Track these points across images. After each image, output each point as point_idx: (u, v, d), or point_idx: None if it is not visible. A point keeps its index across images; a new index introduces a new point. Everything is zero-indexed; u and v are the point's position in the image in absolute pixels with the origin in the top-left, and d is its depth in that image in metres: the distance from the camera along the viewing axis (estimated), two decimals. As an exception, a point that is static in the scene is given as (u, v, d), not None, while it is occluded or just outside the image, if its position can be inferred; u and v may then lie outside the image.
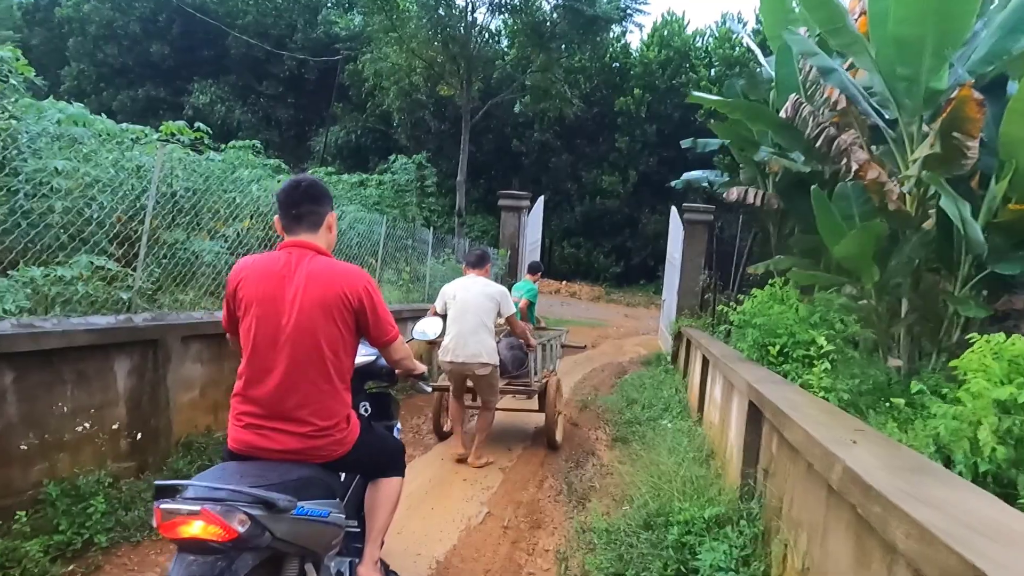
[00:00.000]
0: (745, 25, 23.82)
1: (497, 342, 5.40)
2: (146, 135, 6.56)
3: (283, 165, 11.38)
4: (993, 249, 4.97)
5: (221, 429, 4.96)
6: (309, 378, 2.20)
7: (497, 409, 5.66)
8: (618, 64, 26.35)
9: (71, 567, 3.20)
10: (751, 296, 5.70)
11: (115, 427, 3.95)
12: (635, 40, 28.23)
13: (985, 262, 5.11)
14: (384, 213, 11.32)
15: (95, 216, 4.55)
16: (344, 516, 2.31)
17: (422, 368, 2.72)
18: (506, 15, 16.71)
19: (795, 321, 5.01)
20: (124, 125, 6.55)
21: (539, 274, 8.30)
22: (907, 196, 5.88)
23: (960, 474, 2.45)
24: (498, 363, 5.27)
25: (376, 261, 8.31)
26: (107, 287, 4.23)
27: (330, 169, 11.46)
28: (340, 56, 22.84)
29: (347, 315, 2.25)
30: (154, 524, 1.80)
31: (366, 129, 26.90)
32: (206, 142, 6.99)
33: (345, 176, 11.75)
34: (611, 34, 21.16)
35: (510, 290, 6.28)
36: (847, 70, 6.79)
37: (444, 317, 5.14)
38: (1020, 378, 2.71)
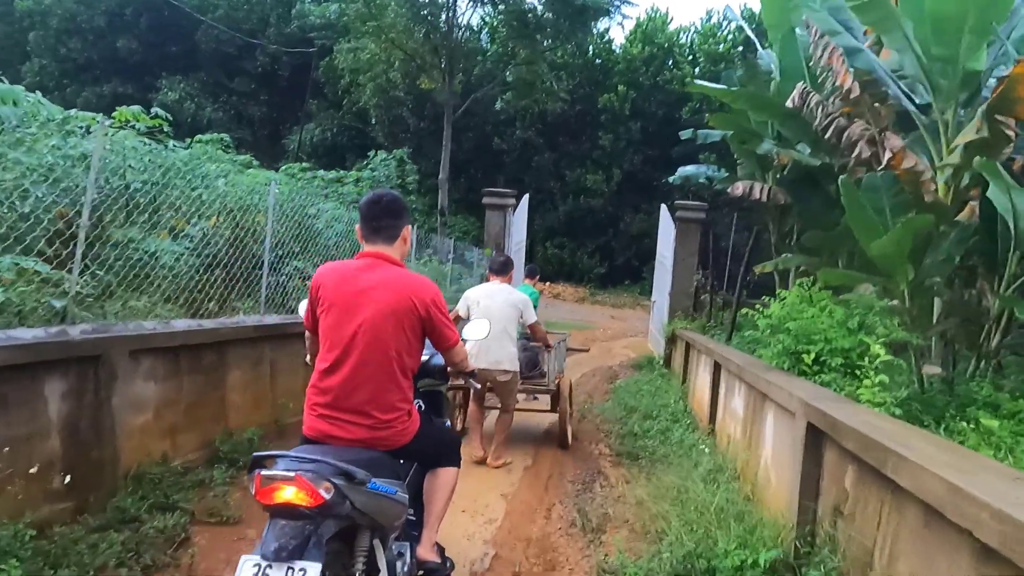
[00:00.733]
0: (743, 19, 23.49)
1: None
2: (97, 122, 5.86)
3: (254, 161, 10.66)
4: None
5: (181, 456, 4.30)
6: (375, 376, 2.40)
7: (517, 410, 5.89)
8: (601, 61, 25.88)
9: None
10: (776, 298, 5.15)
11: (45, 463, 3.28)
12: (619, 37, 27.83)
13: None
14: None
15: (29, 210, 3.88)
16: (408, 497, 2.51)
17: (473, 366, 3.06)
18: (488, 6, 16.09)
19: (832, 326, 4.47)
20: (73, 111, 5.83)
21: (536, 277, 7.78)
22: (943, 187, 5.39)
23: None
24: (519, 369, 5.47)
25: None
26: (36, 293, 3.55)
27: (304, 165, 10.76)
28: (315, 48, 22.04)
29: (414, 322, 2.46)
30: (252, 491, 2.02)
31: (342, 127, 26.12)
32: (166, 130, 6.29)
33: (321, 172, 11.05)
34: (595, 30, 20.71)
35: None
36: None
37: (464, 321, 5.11)
38: None
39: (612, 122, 24.66)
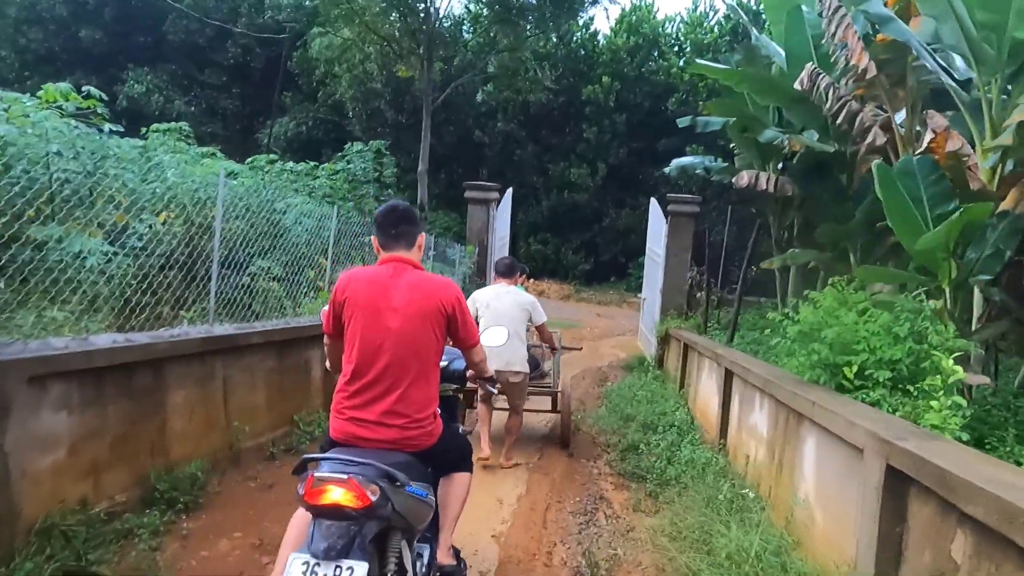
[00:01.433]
0: (735, 3, 22.84)
1: None
2: (21, 103, 5.08)
3: (219, 153, 9.84)
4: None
5: (105, 499, 3.56)
6: (407, 376, 2.45)
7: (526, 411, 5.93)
8: (585, 52, 25.20)
9: None
10: (806, 301, 4.50)
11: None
12: (604, 27, 27.08)
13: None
14: (337, 206, 9.91)
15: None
16: (435, 500, 2.61)
17: (492, 371, 3.13)
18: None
19: (876, 332, 3.83)
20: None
21: (524, 275, 7.22)
22: (986, 172, 4.79)
23: None
24: (529, 371, 5.47)
25: (326, 260, 6.92)
26: None
27: (272, 156, 9.98)
28: (286, 34, 21.09)
29: (442, 321, 2.54)
30: (300, 492, 2.08)
31: (318, 120, 25.20)
32: (100, 112, 5.52)
33: (290, 164, 10.25)
34: (580, 17, 20.00)
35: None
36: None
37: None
38: None
39: (597, 114, 24.00)
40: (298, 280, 7.17)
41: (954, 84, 5.09)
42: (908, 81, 6.80)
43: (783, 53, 8.19)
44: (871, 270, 5.05)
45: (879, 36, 6.41)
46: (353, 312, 2.50)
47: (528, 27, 15.59)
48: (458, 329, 2.64)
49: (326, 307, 2.67)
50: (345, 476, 2.06)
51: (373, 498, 2.06)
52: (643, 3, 25.10)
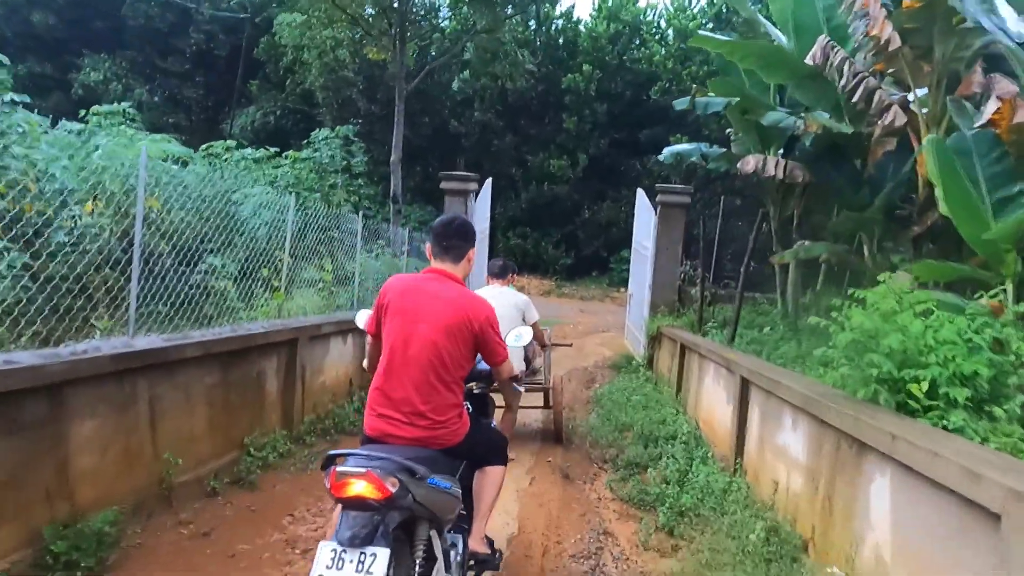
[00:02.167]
0: None
1: None
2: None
3: (171, 139, 8.92)
4: None
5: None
6: (431, 381, 2.58)
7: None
8: (564, 40, 24.42)
9: None
10: (851, 304, 3.79)
11: None
12: (583, 14, 26.24)
13: None
14: (302, 197, 9.04)
15: None
16: (461, 492, 2.75)
17: (518, 372, 3.44)
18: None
19: (947, 341, 3.13)
20: None
21: (513, 274, 6.66)
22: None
23: None
24: (524, 369, 5.44)
25: (284, 254, 6.10)
26: None
27: (229, 143, 9.08)
28: (248, 14, 19.97)
29: (468, 336, 2.66)
30: (327, 485, 2.22)
31: (286, 110, 24.11)
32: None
33: (249, 151, 9.35)
34: (558, 3, 19.23)
35: None
36: None
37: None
38: None
39: (577, 104, 23.23)
40: (256, 279, 6.34)
41: (1014, 45, 4.40)
42: (935, 53, 6.14)
43: (782, 36, 7.51)
44: (930, 266, 4.35)
45: (906, 2, 5.74)
46: (391, 315, 2.66)
47: (507, 7, 14.73)
48: (486, 347, 2.74)
49: (368, 312, 2.90)
50: (364, 470, 2.19)
51: (392, 489, 2.20)
52: (624, -11, 24.36)
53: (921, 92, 6.57)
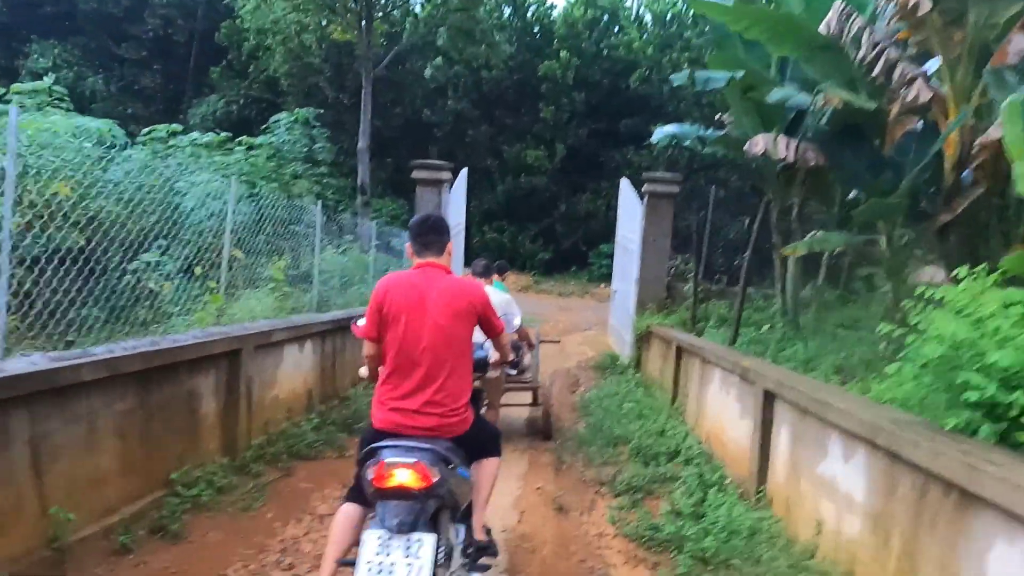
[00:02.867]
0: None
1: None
2: None
3: (112, 124, 7.92)
4: None
5: None
6: (445, 369, 2.68)
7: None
8: (540, 27, 23.59)
9: None
10: (926, 302, 3.05)
11: None
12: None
13: None
14: (259, 186, 8.14)
15: None
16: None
17: (513, 356, 3.69)
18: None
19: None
20: None
21: (496, 274, 6.57)
22: None
23: None
24: (513, 356, 5.28)
25: (224, 249, 5.23)
26: None
27: (176, 127, 8.12)
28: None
29: (473, 319, 2.83)
30: (370, 476, 2.38)
31: (250, 99, 22.97)
32: None
33: (195, 135, 8.40)
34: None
35: None
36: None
37: None
38: None
39: (554, 92, 22.43)
40: (203, 278, 5.48)
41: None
42: (969, 17, 5.45)
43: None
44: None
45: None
46: (395, 314, 2.70)
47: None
48: (487, 322, 2.91)
49: (361, 321, 2.86)
50: (413, 460, 2.35)
51: (435, 479, 2.37)
52: (602, -27, 23.57)
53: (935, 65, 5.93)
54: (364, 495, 2.55)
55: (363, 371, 3.02)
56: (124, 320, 5.36)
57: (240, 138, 9.13)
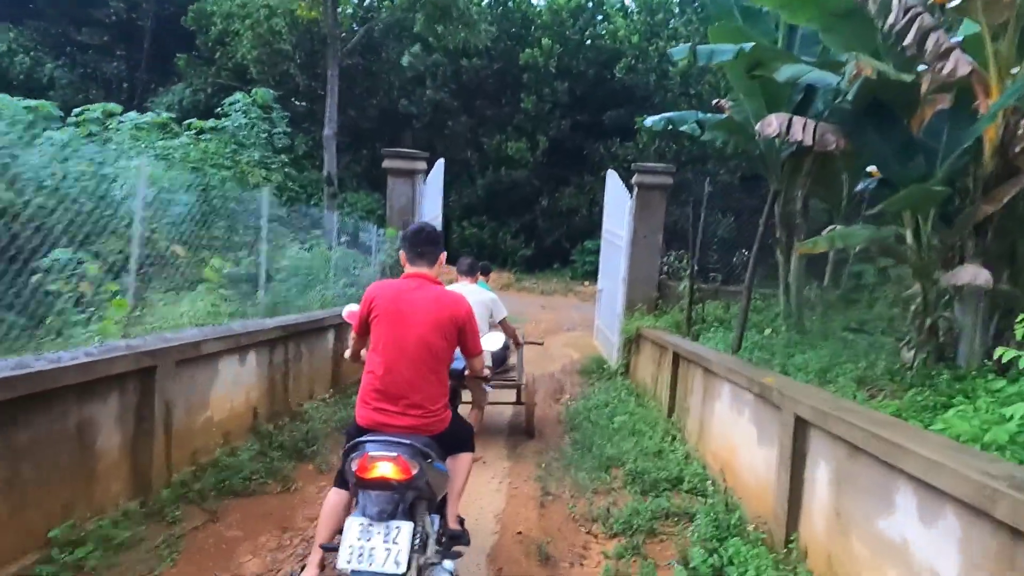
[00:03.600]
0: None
1: None
2: None
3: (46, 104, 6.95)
4: None
5: None
6: (422, 375, 2.85)
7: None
8: (522, 14, 22.70)
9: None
10: None
11: None
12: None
13: None
14: (208, 175, 7.22)
15: None
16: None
17: (487, 373, 3.61)
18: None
19: None
20: None
21: (481, 273, 6.68)
22: None
23: None
24: (492, 366, 5.25)
25: (134, 245, 4.36)
26: None
27: (113, 107, 7.17)
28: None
29: (453, 331, 2.96)
30: (354, 468, 2.55)
31: (218, 87, 21.83)
32: None
33: (133, 115, 7.45)
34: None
35: None
36: None
37: None
38: None
39: (536, 82, 21.55)
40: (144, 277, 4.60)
41: None
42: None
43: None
44: None
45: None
46: (379, 319, 2.90)
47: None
48: (466, 340, 3.06)
49: (354, 307, 3.13)
50: (395, 454, 2.53)
51: (414, 472, 2.54)
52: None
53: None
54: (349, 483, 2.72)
55: (347, 353, 3.28)
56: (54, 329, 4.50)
57: (189, 120, 8.18)
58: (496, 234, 22.42)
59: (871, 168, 7.50)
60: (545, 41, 20.79)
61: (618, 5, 22.36)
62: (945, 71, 5.07)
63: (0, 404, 2.80)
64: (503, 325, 5.78)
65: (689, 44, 6.52)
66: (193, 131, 8.16)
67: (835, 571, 3.08)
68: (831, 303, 8.72)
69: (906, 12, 5.11)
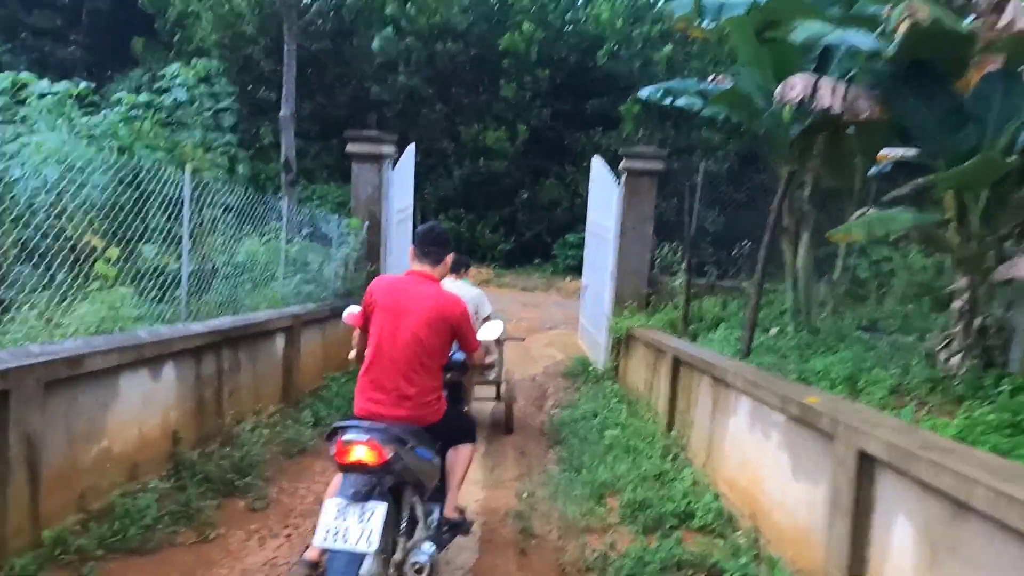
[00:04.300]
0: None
1: None
2: None
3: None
4: None
5: None
6: (415, 367, 2.97)
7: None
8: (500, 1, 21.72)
9: None
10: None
11: None
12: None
13: None
14: (140, 156, 6.21)
15: None
16: (440, 463, 3.22)
17: (489, 361, 3.82)
18: None
19: None
20: None
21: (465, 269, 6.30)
22: None
23: None
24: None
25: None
26: None
27: (18, 75, 6.13)
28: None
29: (446, 329, 3.06)
30: (332, 452, 2.67)
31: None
32: None
33: (44, 83, 6.41)
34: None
35: None
36: None
37: None
38: None
39: (516, 69, 20.55)
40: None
41: None
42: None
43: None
44: None
45: None
46: (378, 312, 3.03)
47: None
48: (462, 338, 3.17)
49: (355, 308, 3.24)
50: (367, 437, 2.61)
51: (388, 456, 2.61)
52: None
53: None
54: None
55: (352, 353, 3.33)
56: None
57: (119, 94, 7.15)
58: (474, 228, 21.44)
59: (882, 152, 6.72)
60: (526, 26, 19.82)
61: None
62: (1001, 24, 4.24)
63: None
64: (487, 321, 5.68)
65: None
66: (125, 107, 7.10)
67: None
68: (840, 299, 7.95)
69: (955, -48, 4.29)
